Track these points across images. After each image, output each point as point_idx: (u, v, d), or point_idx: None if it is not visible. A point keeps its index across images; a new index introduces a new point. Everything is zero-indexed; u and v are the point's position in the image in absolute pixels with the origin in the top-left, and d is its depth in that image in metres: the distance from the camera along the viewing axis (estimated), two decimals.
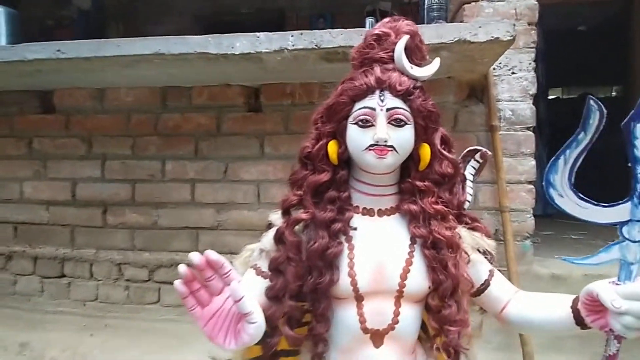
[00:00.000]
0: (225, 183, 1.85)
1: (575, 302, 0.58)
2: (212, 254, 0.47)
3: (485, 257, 0.66)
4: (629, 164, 0.57)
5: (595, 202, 0.60)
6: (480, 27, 1.32)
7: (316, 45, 1.38)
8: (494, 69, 1.67)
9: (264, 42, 1.42)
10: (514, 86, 1.68)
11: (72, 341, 1.80)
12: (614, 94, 5.29)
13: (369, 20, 1.97)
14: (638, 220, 0.57)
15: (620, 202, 0.58)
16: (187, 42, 1.45)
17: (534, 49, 1.68)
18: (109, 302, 1.95)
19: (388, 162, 0.59)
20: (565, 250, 1.98)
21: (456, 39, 1.31)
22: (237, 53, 1.43)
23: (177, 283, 0.48)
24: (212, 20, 3.53)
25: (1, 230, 2.04)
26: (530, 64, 1.68)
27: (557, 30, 3.17)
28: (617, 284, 0.54)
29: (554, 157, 0.60)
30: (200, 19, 3.54)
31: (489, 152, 0.72)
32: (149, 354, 1.71)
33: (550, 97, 3.95)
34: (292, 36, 1.40)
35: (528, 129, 1.68)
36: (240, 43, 1.43)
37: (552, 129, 2.94)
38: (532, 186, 1.68)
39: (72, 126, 1.97)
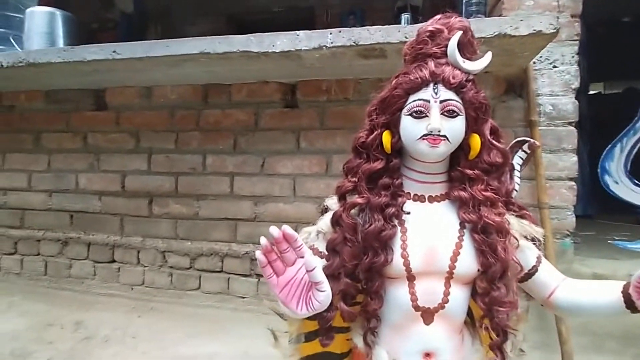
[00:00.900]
0: (263, 177, 1.93)
1: (626, 287, 0.59)
2: (288, 229, 0.52)
3: (534, 244, 0.67)
4: None
5: None
6: (521, 20, 1.30)
7: (354, 42, 1.42)
8: (534, 62, 1.64)
9: (303, 40, 1.47)
10: (555, 80, 1.64)
11: (122, 322, 1.94)
12: None
13: (404, 17, 1.99)
14: None
15: None
16: (231, 42, 1.52)
17: (577, 42, 1.64)
18: (154, 287, 2.08)
19: (440, 151, 0.62)
20: (608, 251, 1.91)
21: (496, 33, 1.30)
22: (277, 51, 1.49)
23: (258, 253, 0.54)
24: (244, 19, 3.64)
25: (59, 218, 2.23)
26: (573, 57, 1.63)
27: (600, 21, 3.02)
28: None
29: (610, 145, 0.61)
30: (233, 19, 3.65)
31: (537, 143, 0.74)
32: (192, 336, 1.82)
33: (591, 92, 3.77)
34: (330, 34, 1.44)
35: (570, 124, 1.64)
36: (281, 41, 1.49)
37: (593, 125, 2.82)
38: (573, 183, 1.64)
39: (122, 122, 2.12)
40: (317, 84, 1.85)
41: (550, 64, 1.65)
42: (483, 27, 1.32)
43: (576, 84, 1.63)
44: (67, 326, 1.93)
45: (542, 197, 1.60)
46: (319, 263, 0.52)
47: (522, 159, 0.74)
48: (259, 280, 1.93)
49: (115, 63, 1.65)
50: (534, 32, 1.28)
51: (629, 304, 0.58)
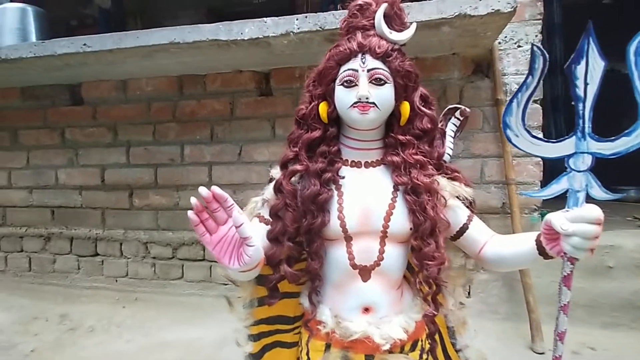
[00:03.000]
0: (240, 165, 1.96)
1: (538, 236, 0.63)
2: (217, 189, 0.55)
3: (466, 206, 0.71)
4: (572, 103, 0.62)
5: (546, 139, 0.65)
6: (481, 0, 1.34)
7: (320, 27, 1.44)
8: (499, 42, 1.68)
9: (271, 26, 1.49)
10: (520, 59, 1.68)
11: (107, 312, 1.97)
12: None
13: None
14: (582, 152, 0.62)
15: (566, 137, 0.63)
16: (200, 30, 1.54)
17: (540, 21, 1.68)
18: (138, 278, 2.11)
19: (370, 117, 0.65)
20: None
21: (457, 14, 1.33)
22: (246, 38, 1.51)
23: (190, 213, 0.56)
24: (224, 11, 3.62)
25: (41, 213, 2.24)
26: (536, 36, 1.68)
27: (577, 3, 3.06)
28: (567, 211, 0.59)
29: (508, 101, 0.65)
30: (213, 12, 3.64)
31: (468, 110, 0.77)
32: (176, 323, 1.86)
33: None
34: (297, 19, 1.46)
35: (535, 101, 1.68)
36: (249, 29, 1.50)
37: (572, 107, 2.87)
38: (539, 159, 1.69)
39: (99, 116, 2.12)
40: (290, 71, 1.88)
41: (515, 43, 1.69)
42: (444, 8, 1.35)
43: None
44: (52, 319, 1.95)
45: (509, 174, 1.65)
46: (247, 220, 0.55)
47: (455, 125, 0.77)
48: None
49: (87, 56, 1.66)
50: (493, 11, 1.32)
51: (541, 250, 0.62)
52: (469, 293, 1.71)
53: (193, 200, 0.56)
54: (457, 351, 0.78)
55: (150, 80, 2.04)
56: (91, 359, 1.60)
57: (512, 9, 1.32)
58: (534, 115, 1.68)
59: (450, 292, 0.74)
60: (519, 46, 1.69)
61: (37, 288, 2.22)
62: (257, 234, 0.65)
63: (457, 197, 0.71)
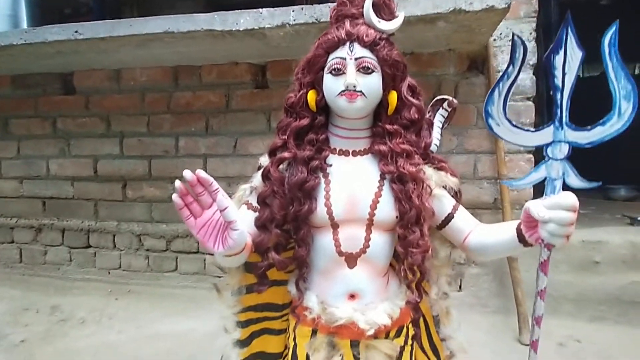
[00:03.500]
0: (235, 157, 1.95)
1: (519, 224, 0.65)
2: (201, 173, 0.55)
3: (452, 195, 0.72)
4: (551, 92, 0.64)
5: (526, 128, 0.67)
6: None
7: (316, 20, 1.44)
8: (494, 39, 1.69)
9: (266, 17, 1.48)
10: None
11: (99, 304, 1.96)
12: (636, 71, 5.08)
13: None
14: (559, 141, 0.64)
15: (545, 126, 0.64)
16: (195, 20, 1.52)
17: (535, 19, 1.69)
18: (131, 270, 2.10)
19: (357, 106, 0.66)
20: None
21: (452, 9, 1.34)
22: (241, 29, 1.50)
23: (174, 196, 0.57)
24: (222, 3, 3.58)
25: (32, 204, 2.21)
26: (530, 33, 1.69)
27: (576, 3, 3.09)
28: (544, 199, 0.61)
29: (490, 91, 0.66)
30: (212, 3, 3.60)
31: (456, 101, 0.78)
32: (169, 316, 1.86)
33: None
34: (293, 11, 1.45)
35: (528, 99, 1.70)
36: (244, 19, 1.49)
37: (570, 108, 2.90)
38: (531, 156, 1.71)
39: (92, 106, 2.10)
40: (287, 64, 1.87)
41: (510, 40, 1.69)
42: (439, 2, 1.36)
43: (534, 59, 1.69)
44: (43, 310, 1.94)
45: (501, 170, 1.67)
46: (231, 203, 0.56)
47: (443, 116, 0.78)
48: None
49: (79, 44, 1.63)
50: (487, 7, 1.33)
51: (521, 238, 0.64)
52: (460, 287, 1.73)
53: (177, 183, 0.56)
54: (441, 340, 0.80)
55: (145, 71, 2.02)
56: (81, 350, 1.60)
57: (507, 6, 1.33)
58: (527, 112, 1.70)
59: (434, 281, 0.75)
60: None
61: (27, 279, 2.20)
62: (244, 220, 0.66)
63: (443, 187, 0.71)
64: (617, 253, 1.67)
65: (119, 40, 1.60)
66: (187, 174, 0.55)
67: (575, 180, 0.63)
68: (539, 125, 0.66)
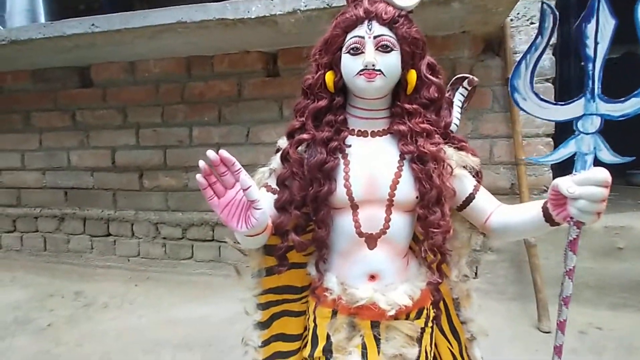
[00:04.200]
0: (248, 146, 1.97)
1: (545, 203, 0.63)
2: (224, 153, 0.55)
3: (473, 175, 0.71)
4: (582, 63, 0.61)
5: (554, 102, 0.64)
6: None
7: (327, 5, 1.42)
8: (511, 20, 1.64)
9: (277, 4, 1.48)
10: (533, 37, 1.64)
11: (120, 290, 2.03)
12: None
13: None
14: (590, 114, 0.61)
15: (575, 99, 0.62)
16: (206, 9, 1.53)
17: None
18: (150, 258, 2.16)
19: (377, 85, 0.65)
20: None
21: None
22: (253, 17, 1.50)
23: (198, 176, 0.57)
24: None
25: (54, 195, 2.29)
26: None
27: None
28: (574, 175, 0.59)
29: (516, 64, 0.64)
30: None
31: (476, 79, 0.76)
32: (187, 302, 1.91)
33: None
34: None
35: (547, 80, 1.65)
36: (256, 7, 1.49)
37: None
38: (550, 139, 1.67)
39: (109, 98, 2.14)
40: (298, 51, 1.86)
41: (528, 20, 1.65)
42: None
43: (553, 39, 1.63)
44: (68, 295, 2.02)
45: (519, 154, 1.63)
46: (254, 183, 0.56)
47: (463, 95, 0.76)
48: None
49: (95, 36, 1.67)
50: None
51: (547, 217, 0.62)
52: (475, 273, 1.71)
53: (201, 163, 0.57)
54: (462, 323, 0.79)
55: (158, 62, 2.04)
56: (106, 333, 1.66)
57: None
58: (546, 94, 1.63)
59: (454, 263, 0.74)
60: (532, 23, 1.65)
61: (52, 267, 2.29)
62: (265, 202, 0.66)
63: (464, 167, 0.70)
64: None
65: (134, 32, 1.63)
66: (211, 154, 0.56)
67: (607, 155, 0.61)
68: None
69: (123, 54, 1.97)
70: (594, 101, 0.61)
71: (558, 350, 0.68)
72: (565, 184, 0.57)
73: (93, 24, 1.66)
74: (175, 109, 2.05)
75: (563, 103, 0.63)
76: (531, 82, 0.64)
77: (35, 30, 1.75)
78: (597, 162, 0.61)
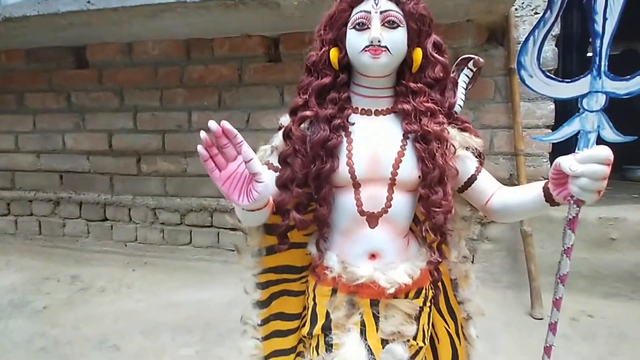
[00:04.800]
0: (248, 132, 1.95)
1: (546, 183, 0.64)
2: (226, 124, 0.54)
3: (475, 156, 0.71)
4: (590, 39, 0.61)
5: (560, 79, 0.65)
6: None
7: None
8: (515, 9, 1.63)
9: None
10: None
11: (117, 274, 2.02)
12: None
13: None
14: (596, 92, 0.61)
15: (582, 76, 0.62)
16: None
17: None
18: (147, 243, 2.15)
19: (382, 62, 0.64)
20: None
21: None
22: None
23: (199, 147, 0.56)
24: None
25: (49, 178, 2.25)
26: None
27: None
28: (576, 153, 0.59)
29: (524, 40, 0.64)
30: None
31: (482, 60, 0.76)
32: (185, 287, 1.91)
33: (590, 55, 3.69)
34: None
35: (549, 71, 1.64)
36: None
37: None
38: (550, 131, 1.68)
39: (105, 80, 2.10)
40: (300, 36, 1.83)
41: (532, 10, 1.64)
42: None
43: (556, 30, 1.63)
44: (64, 279, 2.01)
45: (518, 145, 1.64)
46: (256, 156, 0.55)
47: (468, 76, 0.76)
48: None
49: (91, 14, 1.62)
50: None
51: (548, 197, 0.62)
52: (472, 262, 1.74)
53: (202, 134, 0.56)
54: (459, 303, 0.80)
55: (157, 44, 2.00)
56: (103, 316, 1.66)
57: None
58: None
59: (454, 244, 0.75)
60: (536, 13, 1.64)
61: (47, 251, 2.27)
62: (266, 177, 0.65)
63: (467, 148, 0.70)
64: (634, 230, 1.65)
65: (132, 11, 1.58)
66: (212, 124, 0.54)
67: (610, 133, 0.61)
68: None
69: (120, 34, 1.92)
70: (600, 78, 0.61)
71: (553, 327, 0.69)
72: (567, 162, 0.57)
73: (89, 2, 1.61)
74: (174, 92, 2.02)
75: (569, 80, 0.63)
76: (538, 59, 0.64)
77: (30, 7, 1.69)
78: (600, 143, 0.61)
